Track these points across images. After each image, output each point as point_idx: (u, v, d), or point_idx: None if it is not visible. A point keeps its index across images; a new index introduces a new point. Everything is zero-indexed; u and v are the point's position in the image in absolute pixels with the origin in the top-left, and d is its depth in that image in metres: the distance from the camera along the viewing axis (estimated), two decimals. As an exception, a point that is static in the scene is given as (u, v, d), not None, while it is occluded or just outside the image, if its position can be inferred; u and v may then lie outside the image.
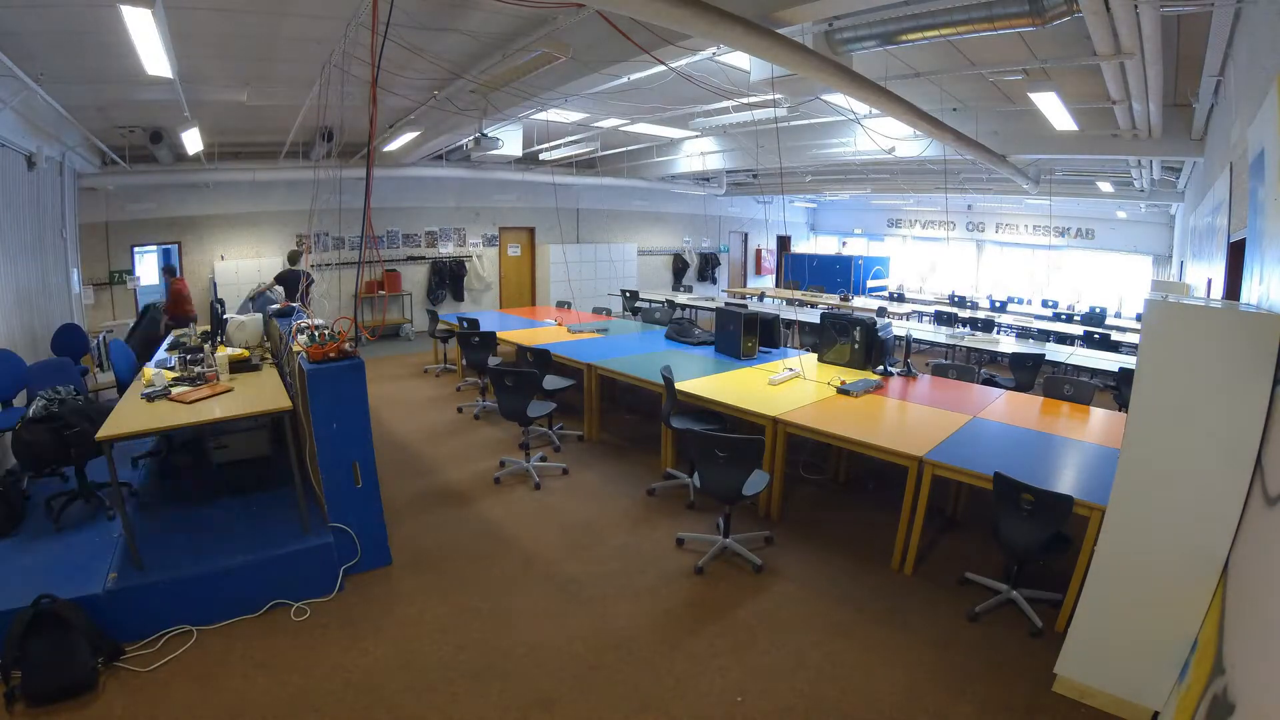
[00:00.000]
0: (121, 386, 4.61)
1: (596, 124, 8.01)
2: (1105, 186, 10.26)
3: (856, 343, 5.21)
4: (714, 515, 4.06)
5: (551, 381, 5.41)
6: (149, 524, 3.45)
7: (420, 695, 2.61)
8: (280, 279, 7.45)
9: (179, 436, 4.40)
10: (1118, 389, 5.75)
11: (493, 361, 6.17)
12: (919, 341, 7.58)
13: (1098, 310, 11.09)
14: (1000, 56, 4.87)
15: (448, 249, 11.64)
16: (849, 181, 12.47)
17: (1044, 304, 12.88)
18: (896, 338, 5.48)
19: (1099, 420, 4.19)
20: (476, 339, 6.31)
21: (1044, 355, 6.38)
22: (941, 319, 10.06)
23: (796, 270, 15.41)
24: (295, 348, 3.62)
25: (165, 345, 5.50)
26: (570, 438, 5.71)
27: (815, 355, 5.71)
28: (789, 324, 7.14)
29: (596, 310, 9.33)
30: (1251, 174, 2.93)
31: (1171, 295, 2.67)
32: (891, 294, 14.10)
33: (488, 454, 5.30)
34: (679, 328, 6.81)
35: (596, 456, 5.32)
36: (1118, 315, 11.43)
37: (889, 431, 3.95)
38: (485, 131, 6.60)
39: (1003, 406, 4.43)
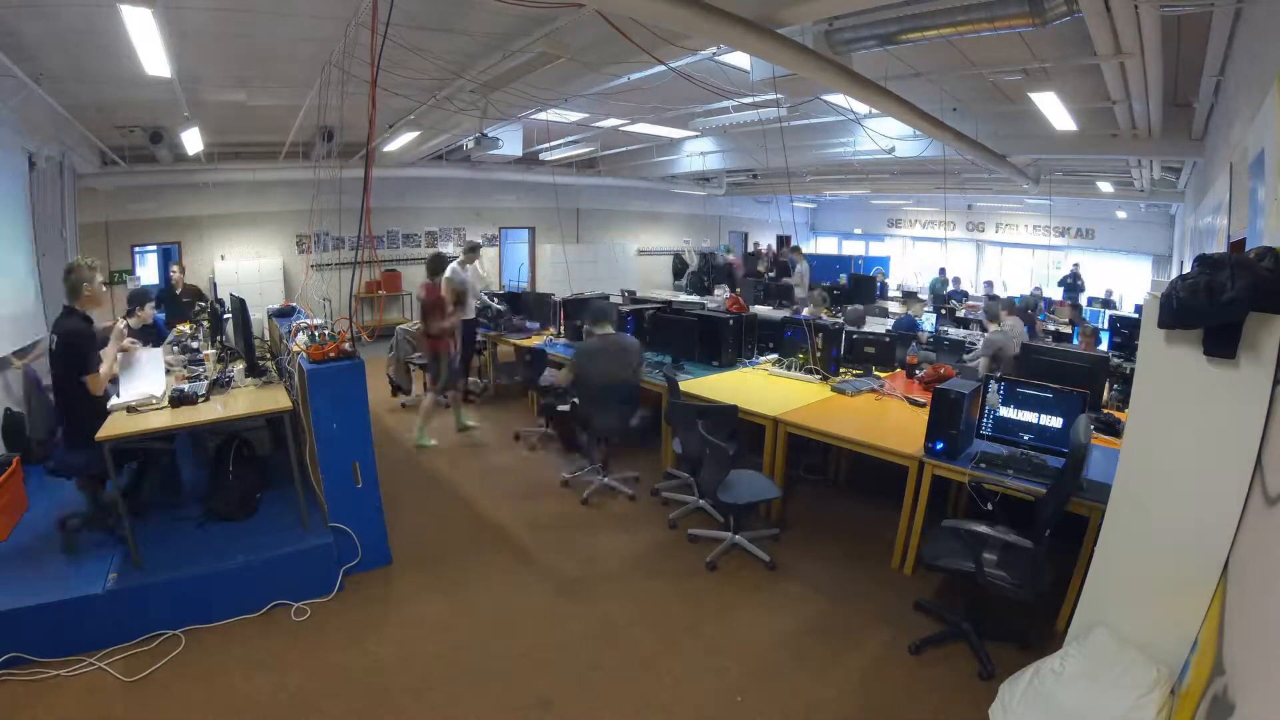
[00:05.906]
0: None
1: (596, 124, 8.00)
2: (1105, 186, 10.25)
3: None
4: (715, 516, 4.07)
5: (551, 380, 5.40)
6: (149, 524, 3.43)
7: (420, 695, 2.61)
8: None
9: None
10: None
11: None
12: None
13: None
14: (1000, 56, 4.86)
15: (448, 249, 11.62)
16: (849, 181, 12.46)
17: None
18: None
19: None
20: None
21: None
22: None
23: (796, 270, 15.37)
24: (295, 348, 3.62)
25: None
26: (570, 438, 5.70)
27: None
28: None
29: (596, 310, 9.30)
30: (1251, 174, 2.93)
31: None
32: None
33: (487, 453, 5.30)
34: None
35: (596, 456, 5.31)
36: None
37: (889, 431, 3.93)
38: (485, 131, 6.60)
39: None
